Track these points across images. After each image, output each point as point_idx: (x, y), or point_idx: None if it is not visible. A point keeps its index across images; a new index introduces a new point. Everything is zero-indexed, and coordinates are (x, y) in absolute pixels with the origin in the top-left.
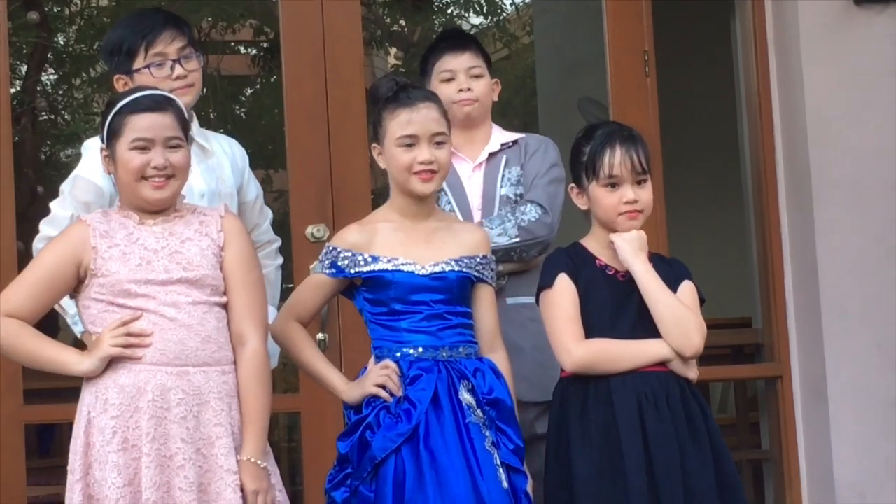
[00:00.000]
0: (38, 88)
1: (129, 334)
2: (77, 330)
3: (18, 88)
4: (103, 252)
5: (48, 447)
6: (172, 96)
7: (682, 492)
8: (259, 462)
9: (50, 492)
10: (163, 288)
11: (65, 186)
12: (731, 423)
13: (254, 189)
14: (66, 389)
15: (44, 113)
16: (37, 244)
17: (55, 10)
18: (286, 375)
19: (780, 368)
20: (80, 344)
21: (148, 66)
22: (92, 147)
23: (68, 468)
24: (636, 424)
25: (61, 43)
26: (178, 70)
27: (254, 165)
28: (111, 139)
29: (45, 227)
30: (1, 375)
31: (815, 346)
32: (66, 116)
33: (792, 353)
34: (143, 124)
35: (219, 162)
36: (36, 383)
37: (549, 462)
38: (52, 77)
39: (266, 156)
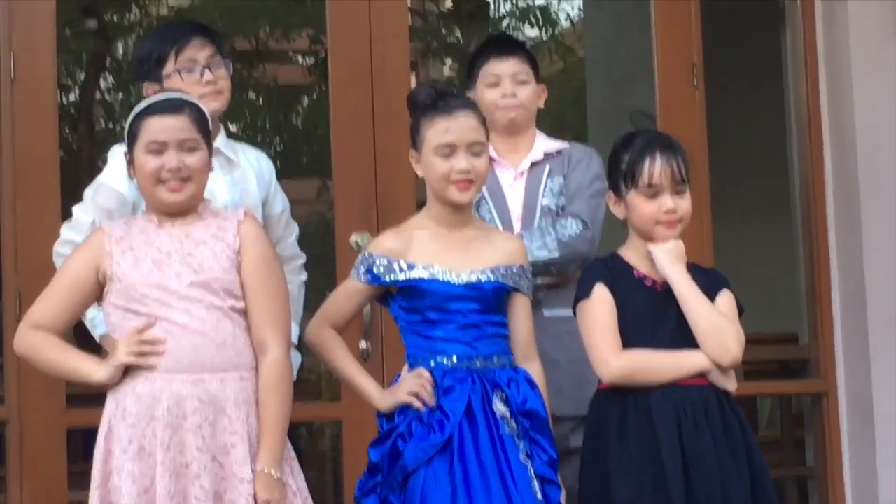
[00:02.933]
0: (97, 96)
1: (142, 342)
2: (96, 334)
3: (76, 96)
4: (118, 257)
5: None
6: (191, 99)
7: None
8: (273, 472)
9: None
10: (176, 293)
11: (88, 192)
12: (776, 439)
13: (280, 203)
14: None
15: (101, 120)
16: (57, 247)
17: (114, 18)
18: (331, 384)
19: (825, 385)
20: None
21: (178, 71)
22: (117, 153)
23: (91, 475)
24: (676, 438)
25: (119, 51)
26: (208, 75)
27: (310, 174)
28: (131, 143)
29: (66, 231)
30: (44, 380)
31: (861, 363)
32: (123, 124)
33: (838, 369)
34: (156, 127)
35: (244, 174)
36: (79, 388)
37: (585, 474)
38: (110, 85)
39: (322, 165)
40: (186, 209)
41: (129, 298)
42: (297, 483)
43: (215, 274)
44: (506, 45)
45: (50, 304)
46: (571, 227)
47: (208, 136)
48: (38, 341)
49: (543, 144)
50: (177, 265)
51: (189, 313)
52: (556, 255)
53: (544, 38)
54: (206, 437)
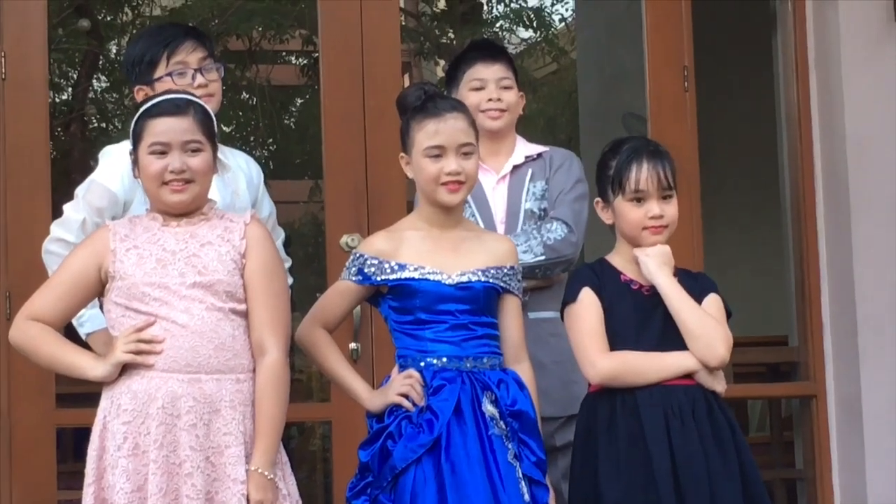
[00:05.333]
0: (90, 95)
1: (140, 341)
2: (82, 332)
3: (69, 95)
4: (121, 255)
5: (83, 451)
6: (196, 99)
7: None
8: (266, 473)
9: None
10: (177, 293)
11: (79, 190)
12: (766, 441)
13: (267, 206)
14: (99, 394)
15: (94, 120)
16: (47, 245)
17: (107, 18)
18: (321, 385)
19: (815, 387)
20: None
21: (169, 74)
22: (111, 153)
23: (85, 472)
24: (664, 439)
25: (113, 51)
26: (199, 79)
27: (303, 175)
28: (135, 144)
29: (56, 229)
30: (34, 379)
31: (850, 366)
32: (116, 124)
33: (827, 372)
34: (160, 128)
35: (234, 176)
36: (69, 387)
37: (575, 477)
38: (103, 84)
39: (315, 166)
40: (191, 210)
41: (131, 296)
42: (287, 487)
43: (219, 276)
44: (492, 51)
45: (49, 298)
46: (556, 230)
47: (213, 137)
48: (35, 333)
49: (524, 148)
50: (181, 264)
51: (189, 313)
52: (541, 258)
53: (537, 40)
54: (199, 436)
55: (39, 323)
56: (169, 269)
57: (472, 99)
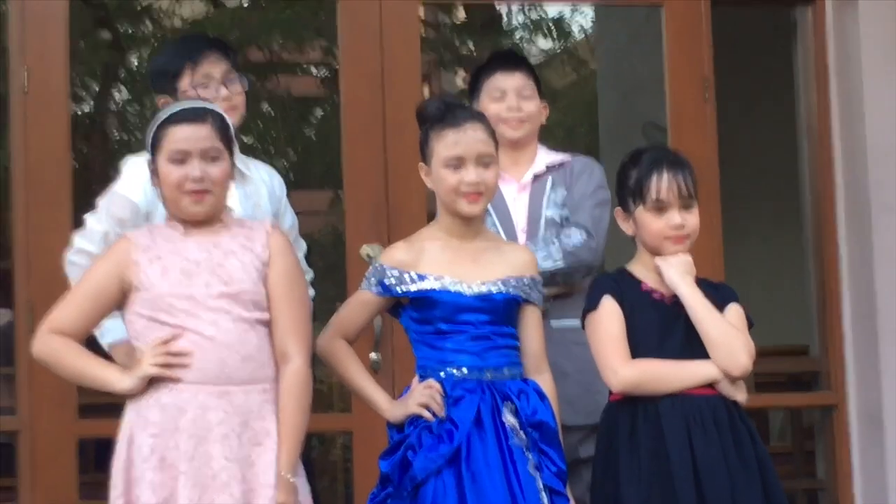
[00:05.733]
0: (111, 107)
1: (168, 353)
2: (104, 342)
3: (91, 107)
4: (145, 266)
5: (105, 462)
6: (214, 107)
7: None
8: (290, 477)
9: None
10: (204, 304)
11: (101, 201)
12: (787, 451)
13: (289, 218)
14: (122, 405)
15: (115, 131)
16: (69, 256)
17: (128, 30)
18: (342, 395)
19: (835, 397)
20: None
21: (194, 87)
22: (132, 164)
23: (111, 483)
24: (686, 448)
25: (134, 62)
26: (223, 91)
27: (323, 186)
28: (154, 152)
29: (78, 240)
30: (55, 390)
31: (871, 375)
32: (137, 135)
33: (848, 381)
34: (179, 136)
35: (256, 189)
36: (91, 398)
37: (596, 485)
38: (124, 96)
39: (335, 176)
40: (210, 218)
41: (156, 308)
42: (303, 493)
43: (245, 286)
44: (511, 60)
45: (71, 311)
46: (575, 236)
47: (231, 145)
48: (58, 346)
49: (545, 157)
50: (206, 275)
51: (216, 325)
52: (560, 264)
53: (557, 50)
54: (233, 446)
55: (62, 336)
56: (194, 279)
57: (493, 109)
